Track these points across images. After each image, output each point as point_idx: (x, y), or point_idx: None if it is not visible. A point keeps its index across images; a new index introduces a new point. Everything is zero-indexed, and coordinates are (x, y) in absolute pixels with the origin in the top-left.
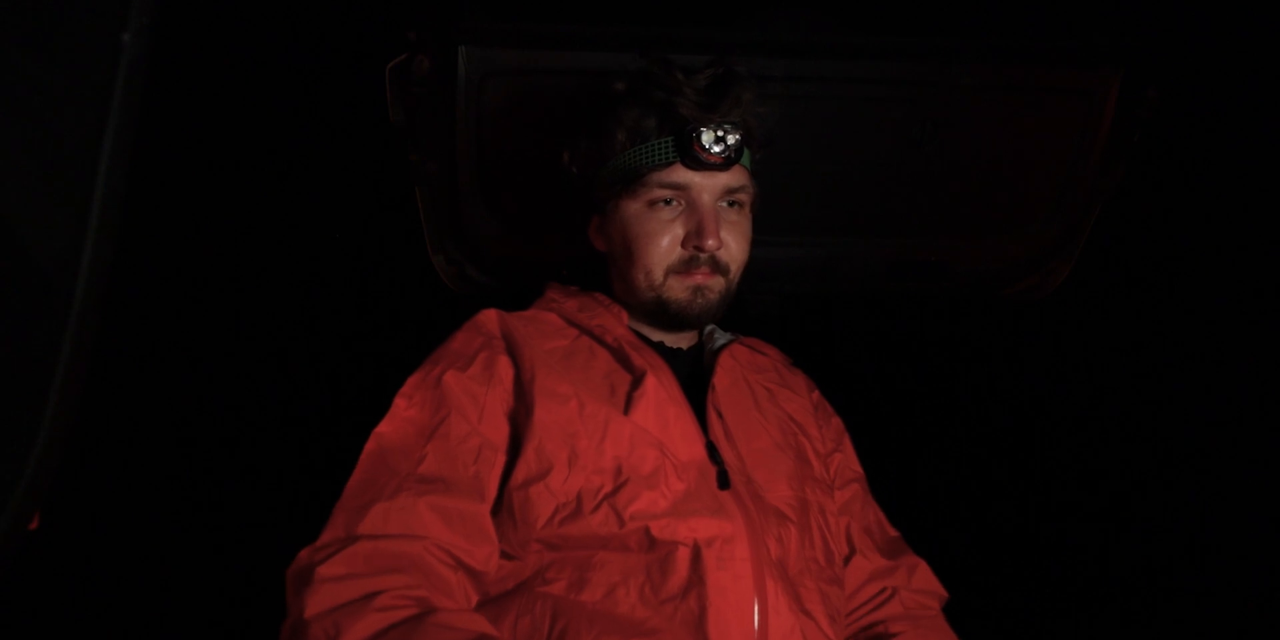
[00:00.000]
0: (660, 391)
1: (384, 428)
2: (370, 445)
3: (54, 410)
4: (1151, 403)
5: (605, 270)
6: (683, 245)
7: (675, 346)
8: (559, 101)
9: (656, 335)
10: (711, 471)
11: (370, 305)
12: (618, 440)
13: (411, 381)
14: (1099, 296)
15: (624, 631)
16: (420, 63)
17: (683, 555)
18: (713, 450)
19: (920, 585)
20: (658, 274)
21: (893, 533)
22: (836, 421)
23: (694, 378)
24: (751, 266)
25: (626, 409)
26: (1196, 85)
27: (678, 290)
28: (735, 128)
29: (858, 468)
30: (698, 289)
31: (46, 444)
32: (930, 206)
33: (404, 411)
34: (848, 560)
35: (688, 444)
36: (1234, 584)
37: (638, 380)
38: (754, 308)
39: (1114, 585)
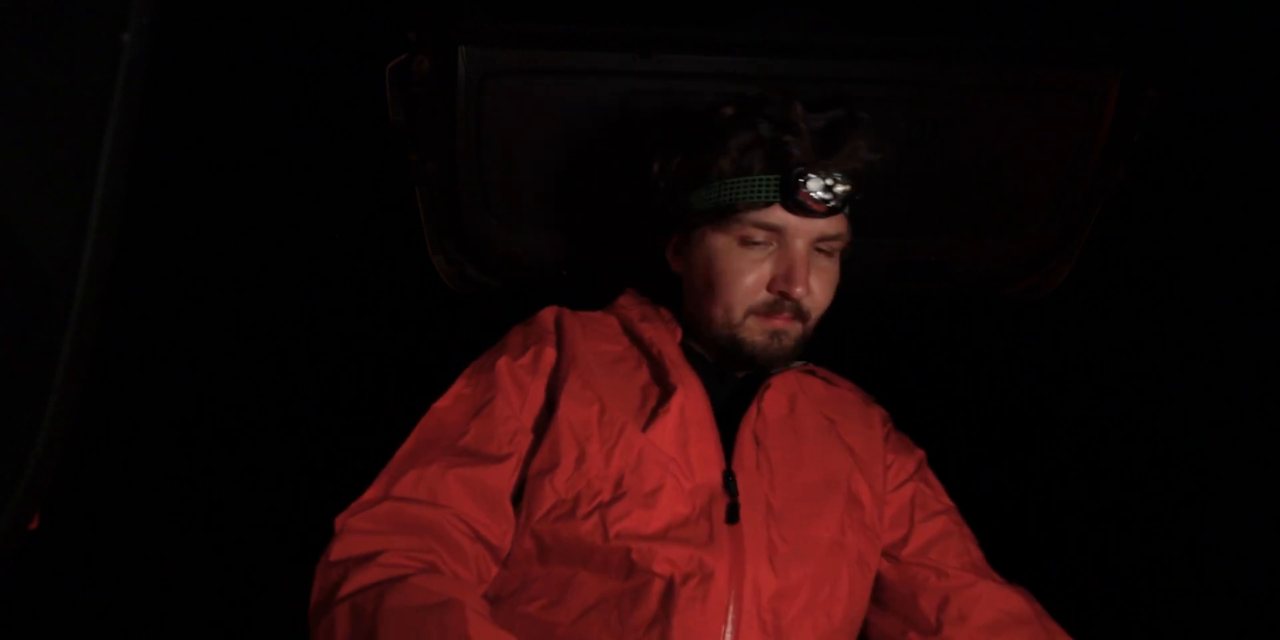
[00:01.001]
0: (686, 411)
1: (441, 403)
2: (426, 417)
3: (54, 410)
4: (1151, 403)
5: (678, 288)
6: (769, 288)
7: (730, 371)
8: (559, 102)
9: (713, 356)
10: (723, 502)
11: (370, 305)
12: (627, 452)
13: (473, 365)
14: (1099, 296)
15: None
16: (420, 63)
17: (656, 588)
18: (729, 479)
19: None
20: (738, 313)
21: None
22: (920, 453)
23: (743, 401)
24: None
25: (648, 424)
26: (1196, 85)
27: (755, 333)
28: (846, 177)
29: (945, 500)
30: (776, 334)
31: (46, 444)
32: (930, 206)
33: (460, 389)
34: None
35: (704, 467)
36: (1234, 584)
37: (666, 397)
38: None
39: (1114, 585)
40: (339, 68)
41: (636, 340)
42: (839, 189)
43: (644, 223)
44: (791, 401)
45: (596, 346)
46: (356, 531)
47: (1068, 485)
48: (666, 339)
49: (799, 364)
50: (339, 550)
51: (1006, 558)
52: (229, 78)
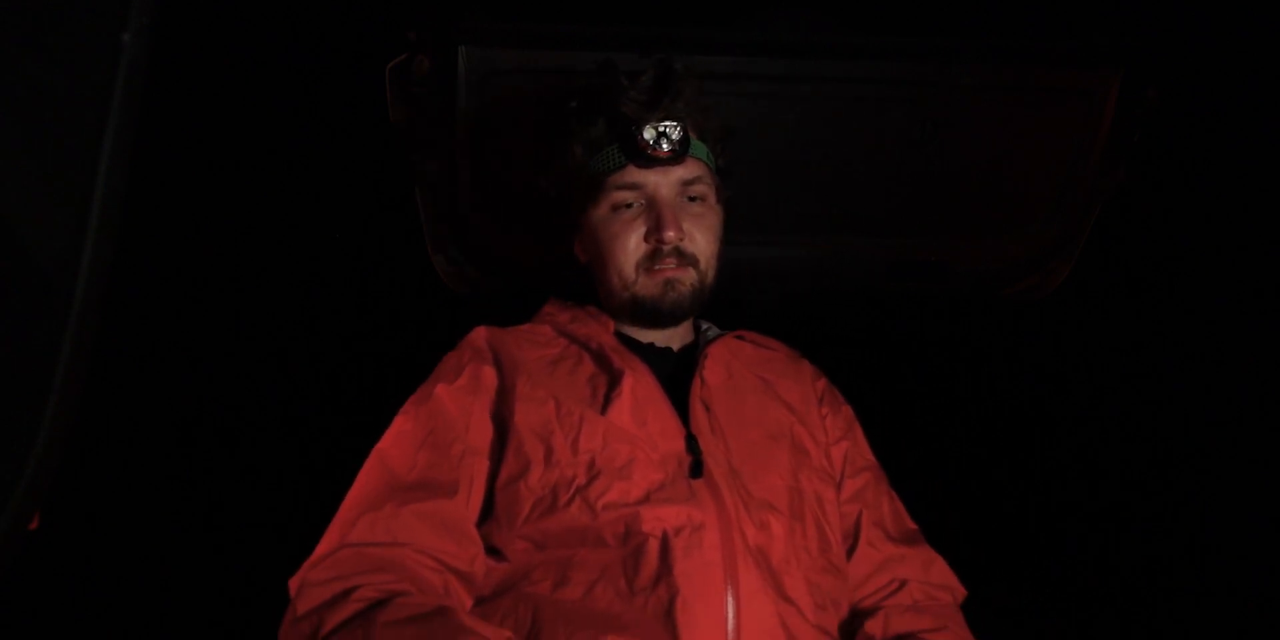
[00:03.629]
0: (638, 390)
1: (383, 443)
2: (370, 460)
3: (54, 410)
4: (1151, 403)
5: (592, 282)
6: (646, 240)
7: (665, 346)
8: (559, 102)
9: (646, 337)
10: (688, 461)
11: (370, 305)
12: (591, 436)
13: (410, 399)
14: (1099, 296)
15: (597, 626)
16: (420, 63)
17: (653, 547)
18: (692, 442)
19: (936, 579)
20: (629, 272)
21: (911, 525)
22: (847, 410)
23: (686, 373)
24: (751, 266)
25: (604, 409)
26: (1196, 85)
27: (649, 286)
28: (677, 121)
29: (870, 457)
30: (668, 283)
31: (46, 444)
32: (930, 206)
33: (401, 426)
34: (853, 550)
35: (666, 438)
36: (1234, 584)
37: (615, 381)
38: (754, 308)
39: (1114, 585)
40: (339, 68)
41: (573, 339)
42: (673, 133)
43: (556, 234)
44: (728, 368)
45: (533, 354)
46: (318, 583)
47: (1068, 485)
48: (600, 331)
49: (728, 333)
50: (304, 604)
51: (1007, 558)
52: (229, 78)
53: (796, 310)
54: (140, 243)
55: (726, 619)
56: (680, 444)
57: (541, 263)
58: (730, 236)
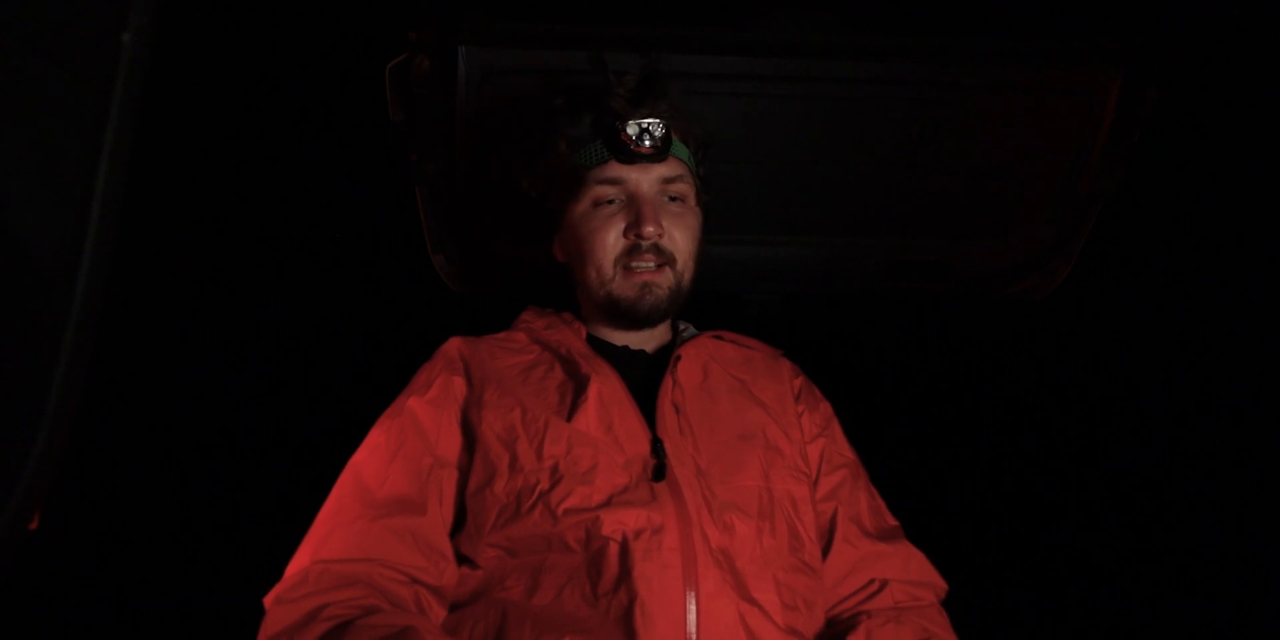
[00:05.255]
0: (604, 394)
1: (357, 456)
2: (344, 474)
3: (54, 410)
4: (1151, 403)
5: (570, 284)
6: (625, 236)
7: (639, 348)
8: (545, 98)
9: (620, 339)
10: (652, 465)
11: (370, 305)
12: (555, 441)
13: (385, 412)
14: (1099, 296)
15: (560, 630)
16: (420, 63)
17: (613, 550)
18: (657, 445)
19: (916, 576)
20: (607, 268)
21: (891, 522)
22: (825, 407)
23: (659, 375)
24: (751, 266)
25: (571, 414)
26: (1196, 85)
27: (626, 288)
28: (660, 119)
29: (848, 453)
30: (645, 286)
31: (46, 444)
32: (930, 206)
33: (374, 439)
34: (829, 548)
35: (632, 442)
36: (1234, 584)
37: (582, 387)
38: (754, 308)
39: (1114, 585)
40: (339, 68)
41: (545, 346)
42: (656, 130)
43: (536, 237)
44: (704, 369)
45: (506, 361)
46: (287, 601)
47: (1068, 485)
48: (572, 337)
49: (705, 333)
50: (274, 623)
51: (1005, 558)
52: (229, 78)
53: (796, 310)
54: (140, 243)
55: (686, 621)
56: (646, 447)
57: (540, 262)
58: (730, 236)
